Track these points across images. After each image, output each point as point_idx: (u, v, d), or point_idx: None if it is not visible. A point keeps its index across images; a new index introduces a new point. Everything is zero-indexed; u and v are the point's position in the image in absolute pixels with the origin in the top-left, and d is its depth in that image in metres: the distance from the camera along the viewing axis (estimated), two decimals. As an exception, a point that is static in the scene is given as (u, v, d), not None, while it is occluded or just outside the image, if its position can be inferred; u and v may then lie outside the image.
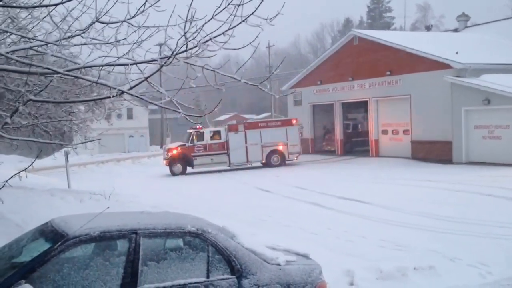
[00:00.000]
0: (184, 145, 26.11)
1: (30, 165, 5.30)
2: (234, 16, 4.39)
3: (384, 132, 28.28)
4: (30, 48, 5.41)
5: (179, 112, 4.71)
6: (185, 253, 4.29)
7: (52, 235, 4.18)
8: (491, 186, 15.34)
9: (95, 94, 9.68)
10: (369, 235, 10.04)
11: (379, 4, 76.95)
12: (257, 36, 4.49)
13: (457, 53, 23.20)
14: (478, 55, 23.99)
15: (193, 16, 4.41)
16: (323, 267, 4.92)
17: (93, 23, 4.93)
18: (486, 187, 15.16)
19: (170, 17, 4.54)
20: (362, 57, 28.44)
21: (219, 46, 4.56)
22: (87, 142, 8.45)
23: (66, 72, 4.78)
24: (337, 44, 31.62)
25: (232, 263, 4.35)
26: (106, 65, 4.86)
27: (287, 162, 26.81)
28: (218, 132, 26.44)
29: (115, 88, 4.55)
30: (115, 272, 3.99)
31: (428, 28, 46.93)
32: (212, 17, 4.44)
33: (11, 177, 5.23)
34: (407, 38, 28.50)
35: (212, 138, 26.17)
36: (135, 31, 4.92)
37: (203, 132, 26.06)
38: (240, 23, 4.43)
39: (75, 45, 5.80)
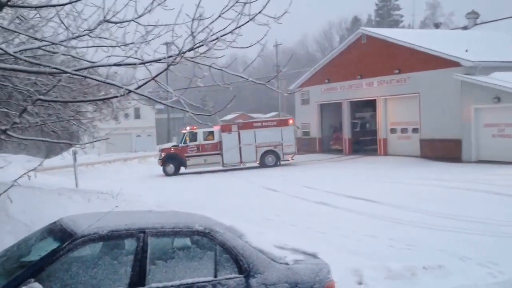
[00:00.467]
0: (178, 145, 26.34)
1: (39, 165, 5.33)
2: (242, 15, 4.38)
3: (393, 130, 28.13)
4: (39, 47, 5.43)
5: (187, 111, 4.70)
6: (193, 252, 4.29)
7: (61, 234, 4.20)
8: (501, 184, 15.18)
9: (103, 93, 9.69)
10: (377, 234, 9.98)
11: (387, 2, 76.42)
12: (265, 35, 4.47)
13: (466, 51, 23.01)
14: (488, 53, 23.75)
15: (201, 15, 4.40)
16: (331, 266, 4.88)
17: (101, 22, 4.93)
18: (496, 186, 15.01)
19: (177, 16, 4.54)
20: (371, 55, 28.30)
21: (226, 45, 4.54)
22: (95, 141, 8.48)
23: (74, 72, 4.80)
24: (345, 42, 31.52)
25: (240, 262, 4.33)
26: (115, 64, 4.87)
27: (282, 162, 26.72)
28: (212, 133, 26.52)
29: (122, 88, 4.56)
30: (123, 271, 4.00)
31: (437, 26, 46.69)
32: (220, 16, 4.43)
33: (19, 177, 5.26)
34: (416, 36, 28.33)
35: (206, 138, 26.34)
36: (142, 35, 4.90)
37: (196, 133, 26.26)
38: (247, 21, 4.41)
39: (84, 47, 5.80)
